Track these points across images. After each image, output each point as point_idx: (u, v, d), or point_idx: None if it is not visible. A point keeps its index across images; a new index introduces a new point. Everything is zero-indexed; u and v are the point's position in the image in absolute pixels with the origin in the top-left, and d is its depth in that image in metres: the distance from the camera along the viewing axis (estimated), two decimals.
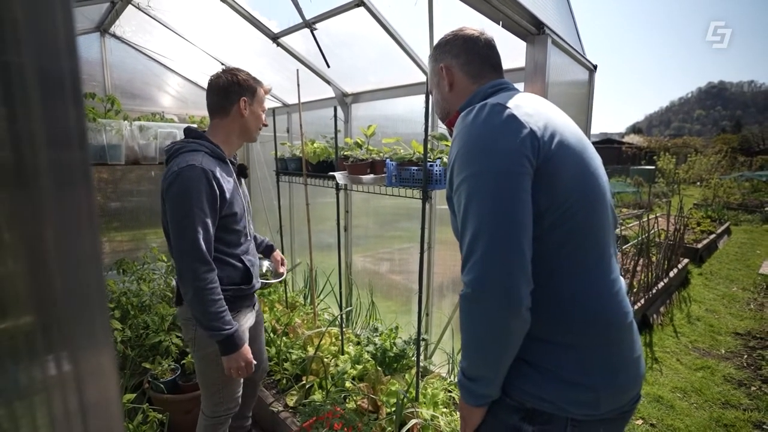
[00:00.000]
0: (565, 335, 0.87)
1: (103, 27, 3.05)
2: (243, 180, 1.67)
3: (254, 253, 1.71)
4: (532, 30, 1.26)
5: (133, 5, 2.61)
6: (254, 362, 1.50)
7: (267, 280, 1.98)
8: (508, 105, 0.87)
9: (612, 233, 0.95)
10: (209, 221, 1.35)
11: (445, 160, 1.83)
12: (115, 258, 3.33)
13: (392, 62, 2.42)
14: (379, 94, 2.77)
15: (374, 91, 2.79)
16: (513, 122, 0.84)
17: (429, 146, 1.87)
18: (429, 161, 1.89)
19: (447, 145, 2.05)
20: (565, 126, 0.92)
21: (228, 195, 1.42)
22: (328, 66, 2.29)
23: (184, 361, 2.28)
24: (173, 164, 1.35)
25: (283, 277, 1.96)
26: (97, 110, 2.69)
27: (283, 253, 2.19)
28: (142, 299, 2.55)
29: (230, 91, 1.48)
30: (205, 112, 4.13)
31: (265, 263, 2.08)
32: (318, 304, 3.54)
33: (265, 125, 1.65)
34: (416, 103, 2.58)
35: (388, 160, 2.04)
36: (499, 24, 1.22)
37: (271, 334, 2.84)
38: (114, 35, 3.17)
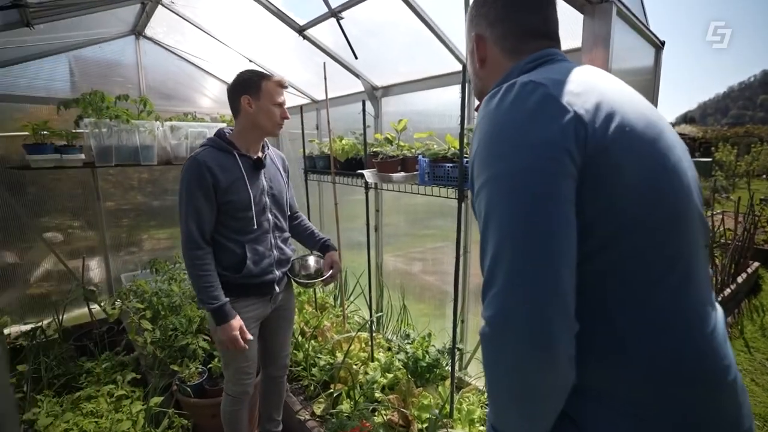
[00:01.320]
0: (626, 397, 0.63)
1: (137, 29, 3.09)
2: (265, 172, 1.63)
3: (275, 246, 1.68)
4: None
5: (162, 5, 2.60)
6: (241, 340, 1.52)
7: (299, 279, 1.84)
8: (544, 82, 0.64)
9: (702, 249, 0.69)
10: (203, 206, 1.45)
11: None
12: (153, 256, 3.41)
13: (425, 50, 2.25)
14: (410, 86, 2.60)
15: (405, 84, 2.62)
16: (549, 104, 0.62)
17: (465, 140, 1.69)
18: (465, 157, 1.71)
19: None
20: (631, 104, 0.68)
21: (224, 184, 1.47)
22: (356, 57, 2.15)
23: (210, 365, 2.24)
24: (189, 156, 1.49)
25: (321, 280, 1.80)
26: (131, 112, 2.71)
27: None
28: (172, 299, 2.55)
29: (235, 91, 1.55)
30: None
31: (312, 261, 1.98)
32: (348, 306, 3.44)
33: (285, 118, 1.61)
34: (451, 96, 2.39)
35: (420, 157, 1.88)
36: None
37: (299, 338, 2.76)
38: (147, 37, 3.20)
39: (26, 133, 2.47)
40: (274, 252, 1.67)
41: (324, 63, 2.33)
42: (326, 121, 2.56)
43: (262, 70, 1.59)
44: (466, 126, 1.77)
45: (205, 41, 3.03)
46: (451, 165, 1.77)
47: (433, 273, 2.99)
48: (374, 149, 2.23)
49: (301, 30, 2.34)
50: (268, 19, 2.38)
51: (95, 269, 3.29)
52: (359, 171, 2.15)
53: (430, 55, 2.22)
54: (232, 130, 1.61)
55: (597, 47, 1.04)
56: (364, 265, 2.56)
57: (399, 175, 1.93)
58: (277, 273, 1.68)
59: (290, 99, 3.62)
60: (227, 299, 1.51)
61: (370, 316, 2.60)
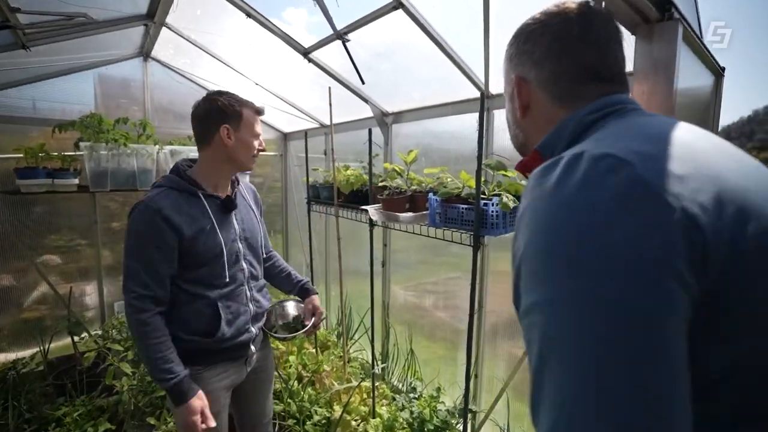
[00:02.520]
0: None
1: (145, 51, 3.02)
2: (236, 214, 1.38)
3: (250, 299, 1.41)
4: (653, 14, 0.81)
5: (167, 27, 2.50)
6: (200, 427, 1.20)
7: (277, 334, 1.58)
8: (627, 158, 0.42)
9: None
10: (158, 264, 1.19)
11: (505, 199, 1.39)
12: None
13: (439, 75, 2.05)
14: (424, 113, 2.40)
15: (418, 110, 2.43)
16: (642, 197, 0.40)
17: (482, 178, 1.46)
18: (483, 198, 1.47)
19: (506, 176, 1.62)
20: (757, 183, 0.44)
21: (189, 236, 1.22)
22: (363, 82, 1.97)
23: None
24: (137, 201, 1.24)
25: (303, 332, 1.56)
26: (131, 135, 2.60)
27: (314, 284, 1.82)
28: None
29: (210, 119, 1.29)
30: None
31: (291, 308, 1.72)
32: (351, 345, 3.17)
33: (262, 150, 1.39)
34: (470, 120, 2.17)
35: (431, 195, 1.65)
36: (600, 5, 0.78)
37: (295, 383, 2.51)
38: (155, 59, 3.13)
39: (21, 155, 2.37)
40: (250, 306, 1.41)
41: (329, 88, 2.16)
42: (332, 147, 2.38)
43: (236, 95, 1.35)
44: (484, 161, 1.54)
45: (212, 64, 2.93)
46: (465, 207, 1.53)
47: (446, 308, 2.71)
48: (381, 182, 2.01)
49: (306, 53, 2.19)
50: (273, 42, 2.25)
51: (90, 294, 3.14)
52: (363, 207, 1.93)
53: (446, 80, 2.03)
54: (191, 164, 1.35)
55: (657, 76, 0.80)
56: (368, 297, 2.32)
57: (407, 215, 1.70)
58: (254, 330, 1.42)
59: (297, 123, 3.48)
60: (186, 371, 1.22)
61: (372, 366, 2.33)
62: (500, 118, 2.02)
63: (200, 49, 2.70)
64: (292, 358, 2.78)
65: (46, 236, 2.86)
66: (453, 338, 2.57)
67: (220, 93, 1.32)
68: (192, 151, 2.83)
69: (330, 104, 2.16)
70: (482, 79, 1.92)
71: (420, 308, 2.86)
